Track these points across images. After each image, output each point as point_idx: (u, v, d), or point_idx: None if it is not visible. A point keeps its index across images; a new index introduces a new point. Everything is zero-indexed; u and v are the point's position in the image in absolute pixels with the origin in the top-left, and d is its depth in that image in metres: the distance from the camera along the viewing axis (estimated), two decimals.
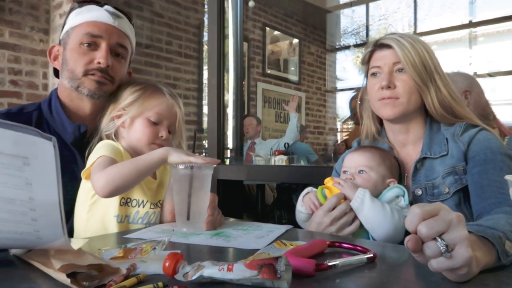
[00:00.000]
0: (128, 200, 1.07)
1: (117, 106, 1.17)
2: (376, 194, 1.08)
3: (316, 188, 1.13)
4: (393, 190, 1.08)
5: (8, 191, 0.60)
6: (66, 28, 1.26)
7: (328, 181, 1.10)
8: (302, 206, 1.14)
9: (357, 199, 1.02)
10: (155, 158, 1.01)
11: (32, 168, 0.60)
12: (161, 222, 1.14)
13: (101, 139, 1.16)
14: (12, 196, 0.60)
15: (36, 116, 1.21)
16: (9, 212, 0.61)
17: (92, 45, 1.21)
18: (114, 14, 1.24)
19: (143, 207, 1.09)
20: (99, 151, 1.06)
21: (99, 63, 1.19)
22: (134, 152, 1.13)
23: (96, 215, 1.05)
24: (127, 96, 1.16)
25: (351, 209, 1.04)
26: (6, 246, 0.68)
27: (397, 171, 1.16)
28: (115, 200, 1.05)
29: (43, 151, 0.60)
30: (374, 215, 1.00)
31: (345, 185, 1.06)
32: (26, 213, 0.61)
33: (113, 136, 1.15)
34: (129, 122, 1.14)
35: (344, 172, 1.16)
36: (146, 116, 1.14)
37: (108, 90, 1.22)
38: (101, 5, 1.25)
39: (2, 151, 0.59)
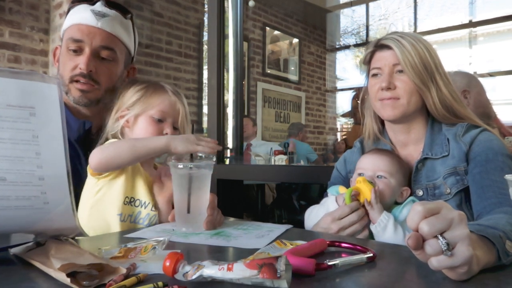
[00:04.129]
0: (132, 199, 1.08)
1: (122, 106, 1.17)
2: (391, 201, 1.06)
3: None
4: (409, 207, 1.03)
5: (16, 148, 0.59)
6: (62, 30, 1.28)
7: (360, 181, 1.04)
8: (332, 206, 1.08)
9: (381, 223, 0.99)
10: (157, 144, 1.02)
11: (38, 118, 0.59)
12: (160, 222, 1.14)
13: (107, 139, 1.17)
14: (20, 153, 0.59)
15: None
16: (17, 173, 0.60)
17: (78, 51, 1.21)
18: (99, 14, 1.22)
19: (145, 208, 1.09)
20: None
21: (81, 68, 1.19)
22: None
23: (99, 212, 1.05)
24: (131, 96, 1.17)
25: (361, 218, 1.01)
26: (13, 223, 0.65)
27: (408, 178, 1.13)
28: (119, 198, 1.05)
29: (49, 97, 0.58)
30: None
31: (375, 207, 1.00)
32: (33, 172, 0.61)
33: (119, 135, 1.16)
34: (133, 120, 1.15)
35: (360, 174, 1.10)
36: (149, 114, 1.14)
37: (94, 97, 1.23)
38: (93, 3, 1.23)
39: (9, 104, 0.57)
